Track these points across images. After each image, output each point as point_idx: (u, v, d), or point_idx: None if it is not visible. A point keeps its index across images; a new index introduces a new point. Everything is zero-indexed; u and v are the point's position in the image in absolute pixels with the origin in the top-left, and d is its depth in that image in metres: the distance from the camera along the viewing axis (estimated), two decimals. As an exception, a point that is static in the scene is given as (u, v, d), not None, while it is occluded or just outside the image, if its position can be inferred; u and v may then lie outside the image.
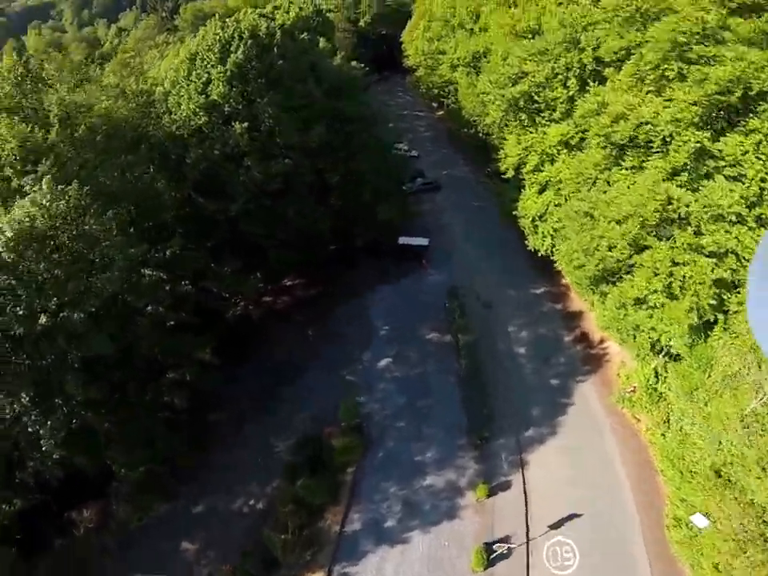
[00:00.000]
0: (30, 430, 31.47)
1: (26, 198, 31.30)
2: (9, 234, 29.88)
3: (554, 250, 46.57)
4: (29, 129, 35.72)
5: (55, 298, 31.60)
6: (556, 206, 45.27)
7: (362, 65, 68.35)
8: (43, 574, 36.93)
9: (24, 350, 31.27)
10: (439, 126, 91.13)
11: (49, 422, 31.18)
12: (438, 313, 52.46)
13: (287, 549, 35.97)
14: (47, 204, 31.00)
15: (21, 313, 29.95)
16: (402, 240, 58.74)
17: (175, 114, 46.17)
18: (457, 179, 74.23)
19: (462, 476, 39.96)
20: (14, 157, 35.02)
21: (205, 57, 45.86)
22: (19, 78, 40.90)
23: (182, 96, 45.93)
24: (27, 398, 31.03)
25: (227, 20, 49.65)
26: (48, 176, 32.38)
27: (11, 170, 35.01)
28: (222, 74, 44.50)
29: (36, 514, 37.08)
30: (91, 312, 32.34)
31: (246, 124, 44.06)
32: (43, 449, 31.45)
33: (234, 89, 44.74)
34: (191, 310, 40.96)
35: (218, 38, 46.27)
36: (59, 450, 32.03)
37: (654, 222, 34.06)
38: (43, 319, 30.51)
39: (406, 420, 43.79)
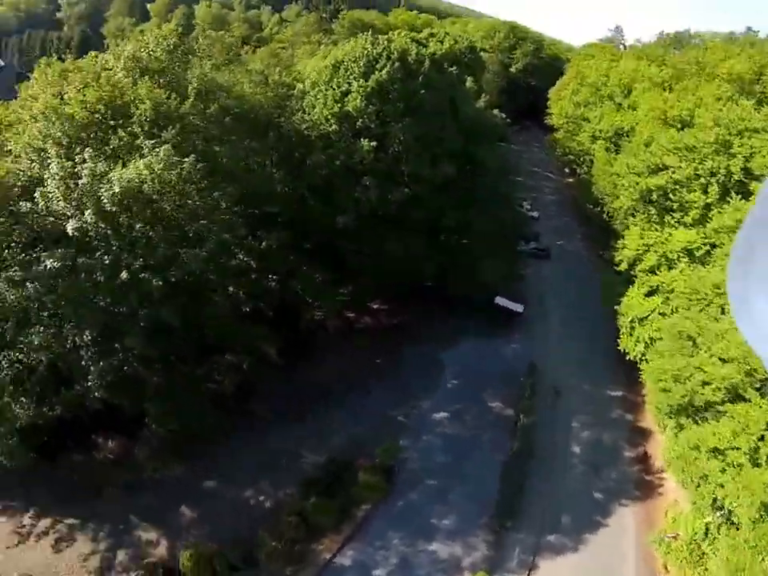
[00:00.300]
0: (83, 363, 32.53)
1: (141, 161, 31.80)
2: (116, 189, 30.53)
3: (643, 358, 42.97)
4: (166, 95, 36.58)
5: (141, 260, 32.38)
6: (660, 314, 41.64)
7: (504, 115, 67.05)
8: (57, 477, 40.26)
9: (102, 293, 32.06)
10: (566, 192, 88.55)
11: (101, 364, 32.12)
12: (509, 383, 49.49)
13: (273, 556, 35.10)
14: (159, 172, 31.37)
15: (107, 262, 31.07)
16: (499, 300, 56.22)
17: (308, 115, 46.19)
18: (569, 253, 71.22)
19: (468, 555, 37.19)
20: (144, 118, 35.84)
21: (349, 67, 45.78)
22: (171, 47, 42.13)
23: (319, 99, 45.92)
24: (90, 336, 32.09)
25: (380, 36, 49.75)
26: (168, 145, 32.81)
27: (139, 129, 35.83)
28: (362, 89, 44.09)
29: (68, 423, 38.04)
30: (172, 282, 32.77)
31: (374, 143, 43.46)
32: (88, 384, 32.35)
33: (371, 106, 44.18)
34: (271, 304, 41.18)
35: (366, 52, 46.14)
36: (102, 390, 32.87)
37: (763, 377, 30.39)
38: (124, 275, 31.20)
39: (439, 479, 41.44)
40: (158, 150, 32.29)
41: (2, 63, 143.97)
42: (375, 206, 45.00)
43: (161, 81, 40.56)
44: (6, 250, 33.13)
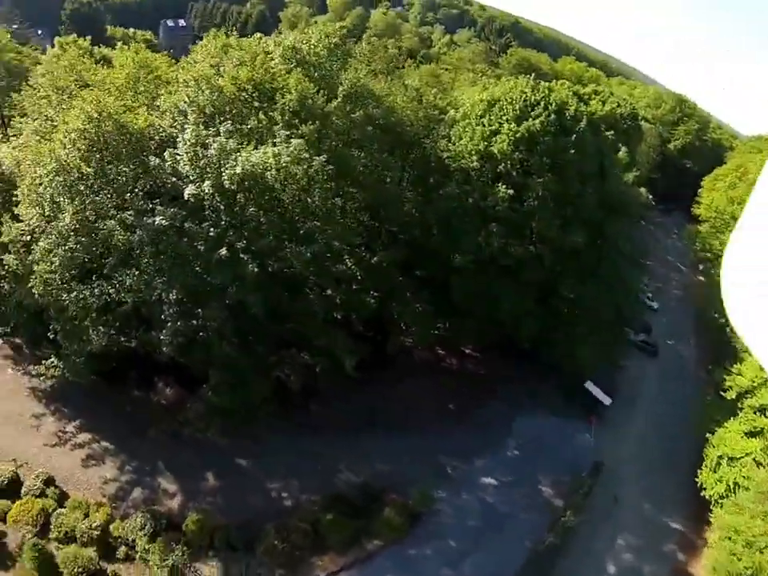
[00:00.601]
0: (162, 317, 33.89)
1: (271, 148, 31.51)
2: (238, 170, 30.47)
3: (719, 502, 38.03)
4: (314, 90, 36.34)
5: (245, 242, 32.40)
6: (755, 462, 36.68)
7: (651, 195, 62.89)
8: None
9: (198, 261, 32.91)
10: (693, 290, 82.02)
11: (178, 324, 33.38)
12: (569, 471, 45.51)
13: (271, 553, 34.59)
14: (285, 163, 31.01)
15: (211, 234, 31.86)
16: (589, 385, 51.68)
17: (453, 145, 44.89)
18: (678, 357, 65.46)
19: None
20: (288, 107, 35.68)
21: (504, 107, 43.92)
22: (332, 46, 42.04)
23: (467, 132, 44.38)
24: (175, 296, 33.41)
25: (542, 83, 47.56)
26: (303, 140, 32.38)
27: (279, 117, 35.73)
28: (511, 133, 42.14)
29: (138, 359, 41.07)
30: (269, 271, 33.02)
31: (512, 191, 41.41)
32: (161, 338, 33.63)
33: (517, 153, 42.20)
34: (364, 318, 41.40)
35: (524, 96, 44.15)
36: (171, 348, 34.16)
37: None
38: (224, 251, 31.85)
39: (461, 543, 38.86)
40: (291, 141, 31.89)
41: (183, 23, 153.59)
42: (495, 254, 42.91)
43: (314, 75, 40.54)
44: (129, 194, 34.88)
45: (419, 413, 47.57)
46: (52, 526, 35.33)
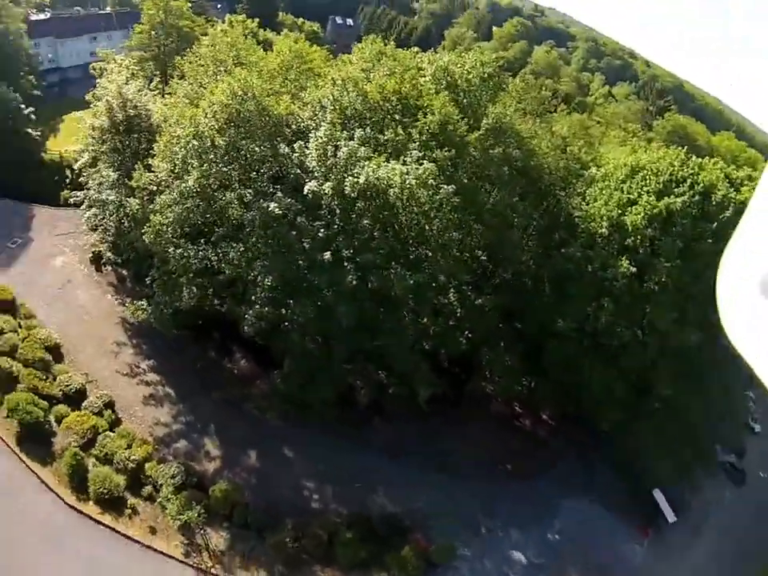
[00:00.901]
0: (251, 297, 34.79)
1: (400, 166, 30.99)
2: (361, 180, 30.12)
3: None
4: (457, 117, 35.57)
5: (351, 250, 32.52)
6: None
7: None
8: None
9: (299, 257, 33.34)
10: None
11: (264, 310, 33.93)
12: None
13: (278, 547, 34.64)
14: (409, 185, 30.35)
15: (320, 234, 32.18)
16: (656, 494, 47.21)
17: (586, 204, 42.35)
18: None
19: None
20: (427, 128, 35.09)
21: (647, 178, 40.97)
22: (485, 75, 41.10)
23: (603, 195, 41.73)
24: (265, 281, 33.63)
25: (693, 159, 43.91)
26: (434, 165, 31.58)
27: (417, 135, 35.19)
28: (648, 206, 38.98)
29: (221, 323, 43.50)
30: (367, 285, 33.00)
31: (634, 269, 38.28)
32: (245, 315, 34.73)
33: (649, 229, 39.07)
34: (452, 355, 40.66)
35: (670, 169, 40.87)
36: (250, 328, 35.17)
37: None
38: (327, 255, 32.09)
39: None
40: (423, 164, 31.22)
41: (351, 23, 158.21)
42: (600, 330, 40.08)
43: (461, 101, 39.81)
44: (254, 173, 35.95)
45: (475, 462, 45.63)
46: (96, 444, 37.58)
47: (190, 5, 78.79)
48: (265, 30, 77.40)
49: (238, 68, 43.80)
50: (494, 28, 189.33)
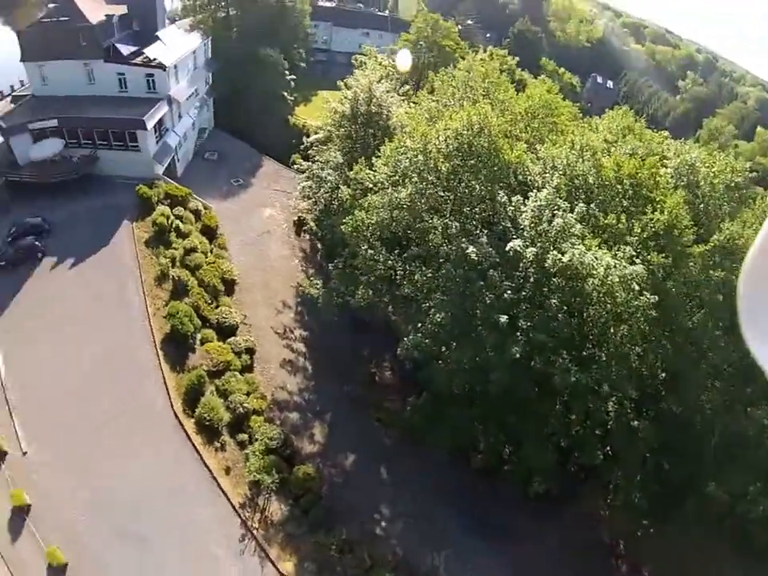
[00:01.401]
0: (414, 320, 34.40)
1: (607, 257, 29.05)
2: (564, 259, 28.62)
3: None
4: (691, 224, 32.74)
5: (528, 323, 30.47)
6: None
7: None
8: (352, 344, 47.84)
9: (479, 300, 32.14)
10: None
11: (414, 336, 33.13)
12: None
13: (320, 550, 33.09)
14: (609, 282, 28.41)
15: (505, 296, 30.67)
16: None
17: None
18: None
19: None
20: (652, 226, 32.50)
21: None
22: (732, 185, 38.10)
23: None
24: (439, 317, 32.16)
25: None
26: (643, 269, 29.15)
27: (639, 230, 32.31)
28: None
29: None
30: (527, 361, 30.53)
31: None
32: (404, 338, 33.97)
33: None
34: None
35: None
36: (403, 353, 34.64)
37: None
38: (504, 318, 29.70)
39: None
40: (634, 263, 29.13)
41: (611, 85, 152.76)
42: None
43: (697, 206, 36.86)
44: (466, 208, 36.05)
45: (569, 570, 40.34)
46: (222, 378, 39.85)
47: (459, 27, 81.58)
48: (523, 70, 77.65)
49: (484, 100, 44.29)
50: (759, 128, 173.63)
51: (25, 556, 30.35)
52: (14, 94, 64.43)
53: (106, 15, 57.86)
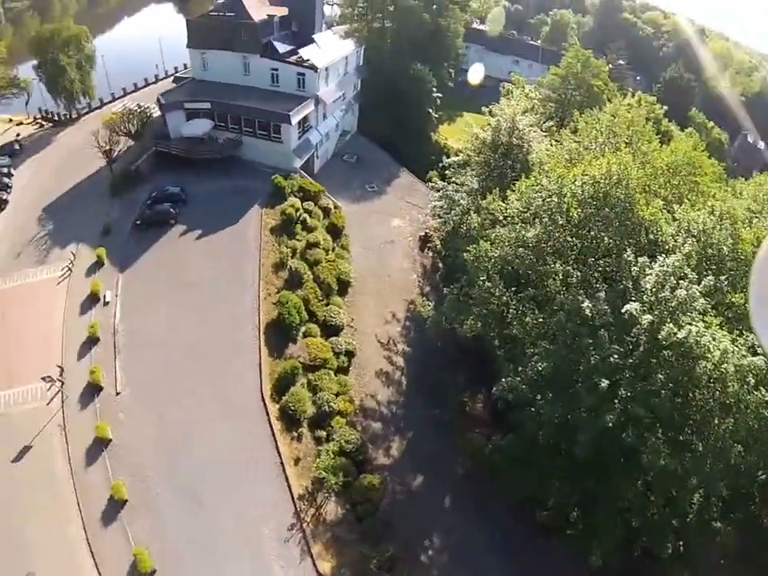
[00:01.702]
0: (506, 367, 33.93)
1: (727, 341, 26.93)
2: (680, 335, 26.97)
3: None
4: None
5: (630, 392, 28.32)
6: None
7: None
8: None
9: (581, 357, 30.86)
10: None
11: (511, 379, 32.46)
12: None
13: (362, 562, 32.99)
14: (724, 368, 26.39)
15: (611, 360, 28.94)
16: None
17: None
18: None
19: None
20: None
21: None
22: None
23: None
24: (544, 367, 31.22)
25: None
26: (764, 360, 26.84)
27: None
28: None
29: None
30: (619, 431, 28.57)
31: None
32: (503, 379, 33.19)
33: None
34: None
35: None
36: (498, 392, 33.71)
37: None
38: (605, 383, 28.00)
39: None
40: (756, 352, 27.01)
41: (763, 146, 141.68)
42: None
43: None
44: (591, 259, 35.04)
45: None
46: (315, 373, 41.07)
47: (609, 66, 79.26)
48: (670, 120, 74.55)
49: (626, 149, 42.79)
50: None
51: (92, 483, 33.79)
52: (176, 75, 70.93)
53: (268, 15, 62.31)
